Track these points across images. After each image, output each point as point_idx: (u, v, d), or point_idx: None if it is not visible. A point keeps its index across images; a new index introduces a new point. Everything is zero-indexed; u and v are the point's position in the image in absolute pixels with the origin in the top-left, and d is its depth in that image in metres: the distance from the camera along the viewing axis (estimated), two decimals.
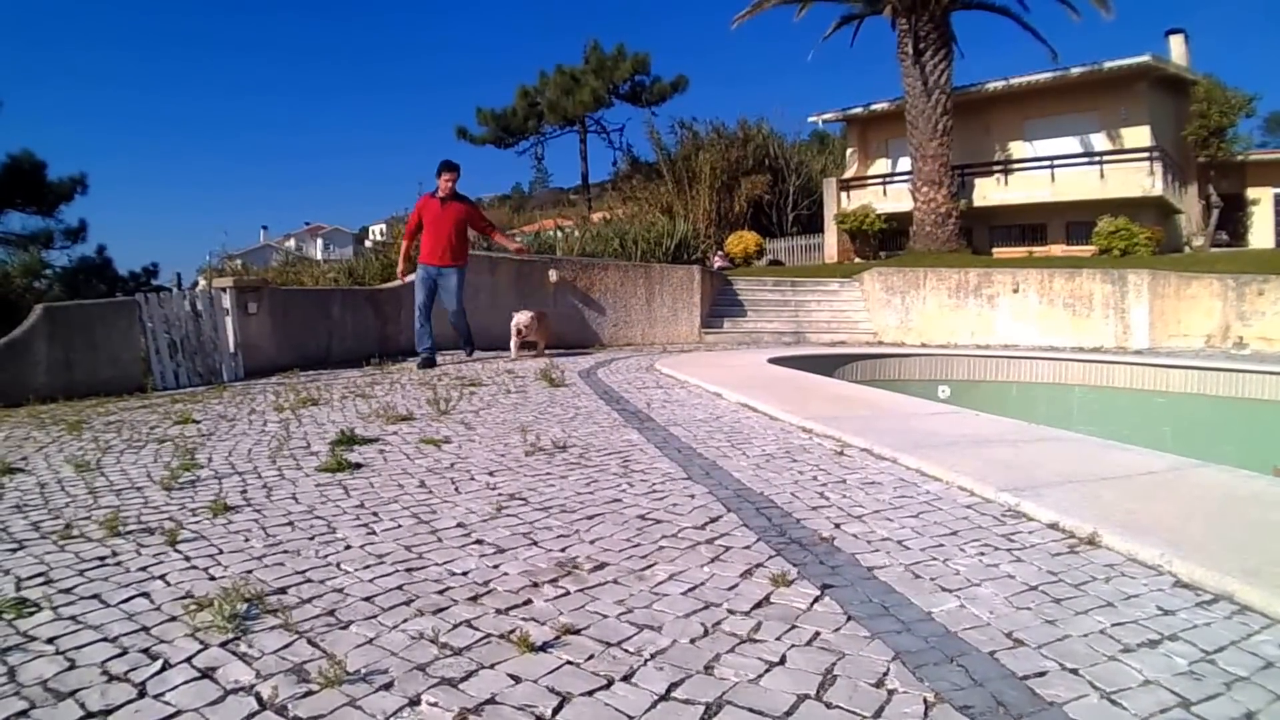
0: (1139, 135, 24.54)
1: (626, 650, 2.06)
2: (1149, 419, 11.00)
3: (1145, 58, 24.08)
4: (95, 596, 2.48)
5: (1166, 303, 15.51)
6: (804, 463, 4.19)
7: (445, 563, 2.75)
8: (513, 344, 10.75)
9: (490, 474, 4.00)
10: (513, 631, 2.15)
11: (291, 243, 51.77)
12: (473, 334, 10.86)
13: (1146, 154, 23.82)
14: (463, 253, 10.40)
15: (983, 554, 2.77)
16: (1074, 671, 1.94)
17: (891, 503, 3.42)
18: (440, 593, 2.48)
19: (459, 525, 3.17)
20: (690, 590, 2.46)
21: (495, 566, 2.71)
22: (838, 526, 3.08)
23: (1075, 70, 24.97)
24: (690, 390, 7.07)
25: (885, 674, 1.92)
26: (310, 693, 1.86)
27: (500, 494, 3.62)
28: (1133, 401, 11.36)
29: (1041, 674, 1.93)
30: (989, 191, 26.78)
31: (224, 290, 8.97)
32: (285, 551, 2.89)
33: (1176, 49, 26.73)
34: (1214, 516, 3.12)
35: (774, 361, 9.77)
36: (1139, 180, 23.64)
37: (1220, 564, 2.52)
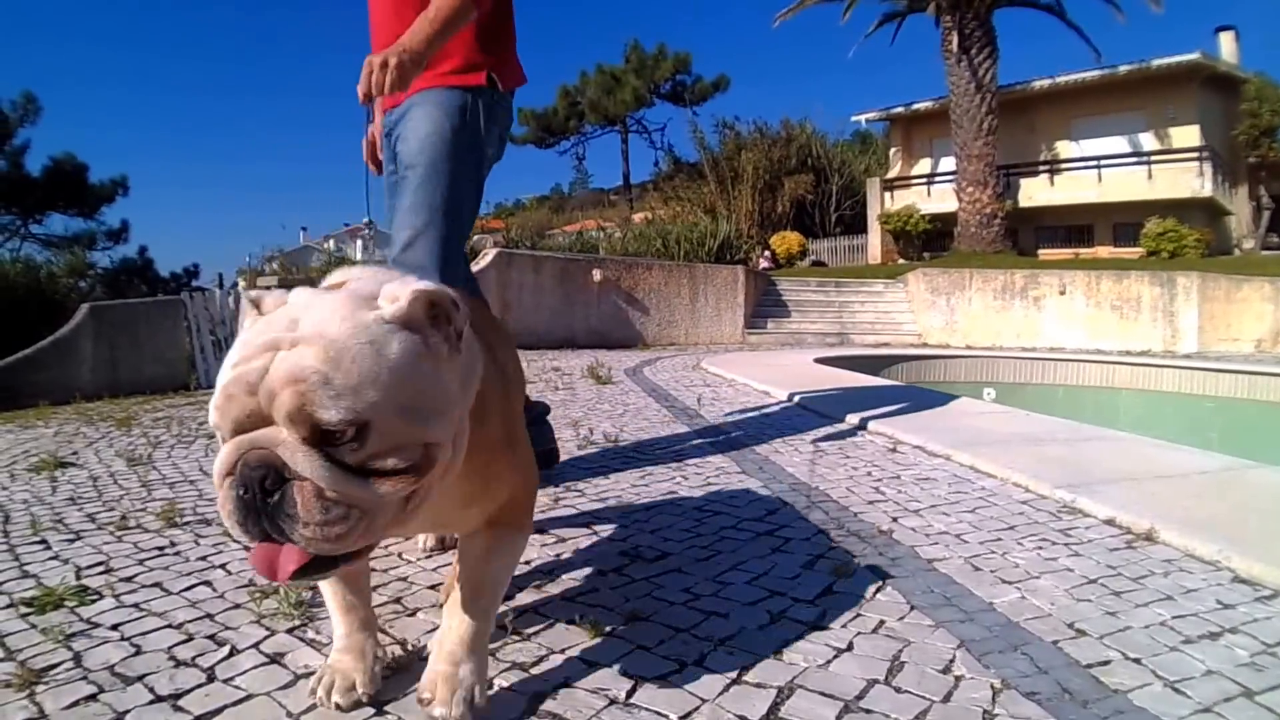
0: (1188, 135, 24.30)
1: (695, 636, 2.09)
2: (1197, 423, 10.89)
3: (1194, 55, 23.85)
4: (156, 585, 2.51)
5: (1216, 306, 15.36)
6: (857, 458, 4.22)
7: None
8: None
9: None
10: (581, 617, 2.19)
11: (331, 244, 52.09)
12: None
13: (1196, 154, 23.58)
14: (448, 62, 3.20)
15: (1040, 548, 2.79)
16: (1137, 661, 1.96)
17: (947, 498, 3.44)
18: None
19: None
20: (754, 579, 2.49)
21: (557, 555, 2.75)
22: (895, 520, 3.11)
23: (1123, 68, 24.78)
24: (738, 388, 7.09)
25: (951, 661, 1.95)
26: (383, 677, 1.87)
27: (556, 486, 3.65)
28: (1180, 405, 11.25)
29: (1105, 663, 1.95)
30: (1035, 192, 26.61)
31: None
32: None
33: (1226, 46, 26.45)
34: (1271, 515, 3.11)
35: (820, 361, 9.77)
36: (1188, 181, 23.41)
37: (1279, 561, 2.53)
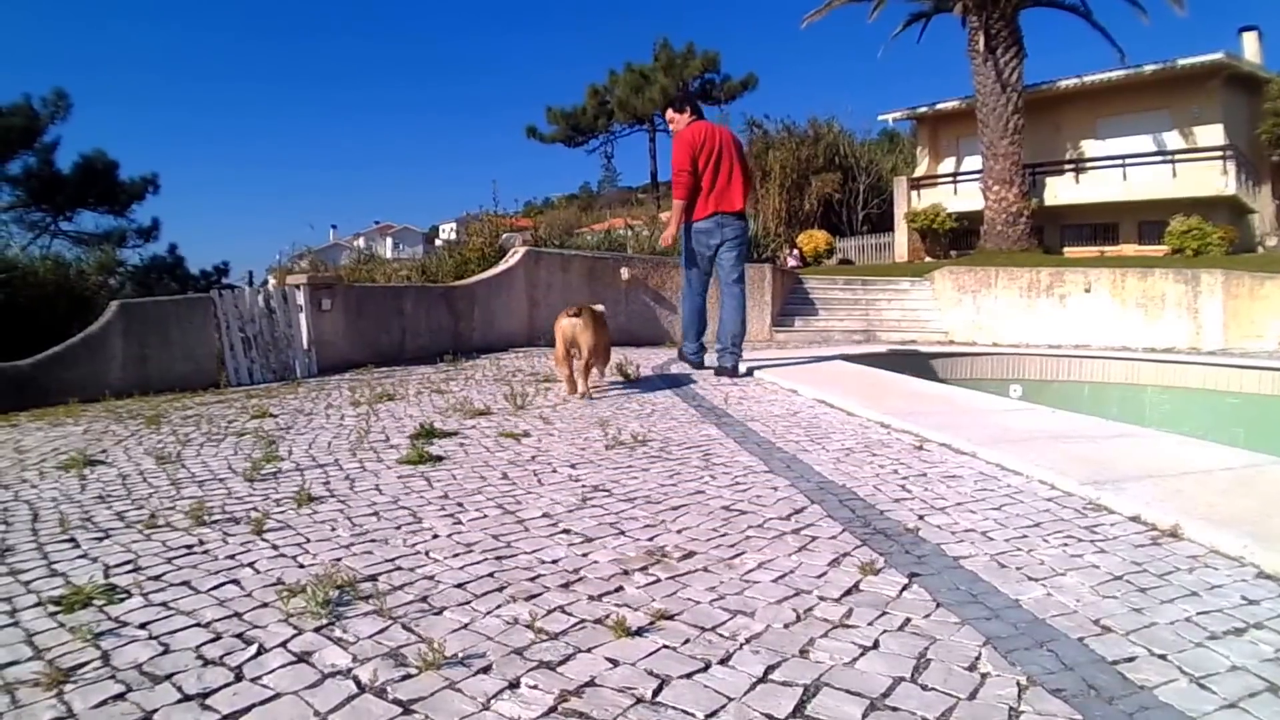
0: (1212, 134, 24.11)
1: (721, 635, 2.11)
2: (1222, 419, 10.82)
3: (1218, 55, 23.68)
4: (185, 583, 2.54)
5: (1240, 303, 15.25)
6: (884, 457, 4.22)
7: (534, 551, 2.80)
8: (563, 373, 6.42)
9: (572, 466, 4.05)
10: (607, 616, 2.21)
11: (361, 241, 52.17)
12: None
13: (1219, 153, 23.40)
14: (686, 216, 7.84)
15: (1066, 545, 2.79)
16: (1162, 657, 1.97)
17: (973, 495, 3.44)
18: (532, 580, 2.53)
19: (545, 515, 3.22)
20: (780, 578, 2.51)
21: (585, 555, 2.76)
22: (921, 518, 3.12)
23: (1148, 68, 24.61)
24: (765, 387, 7.09)
25: (977, 658, 1.96)
26: (409, 676, 1.91)
27: (583, 485, 3.68)
28: (1205, 402, 11.18)
29: (1131, 659, 1.96)
30: (1060, 190, 26.43)
31: (298, 287, 9.06)
32: (373, 540, 2.95)
33: (1250, 46, 26.27)
34: None
35: (847, 359, 9.76)
36: (1212, 179, 23.23)
37: None
